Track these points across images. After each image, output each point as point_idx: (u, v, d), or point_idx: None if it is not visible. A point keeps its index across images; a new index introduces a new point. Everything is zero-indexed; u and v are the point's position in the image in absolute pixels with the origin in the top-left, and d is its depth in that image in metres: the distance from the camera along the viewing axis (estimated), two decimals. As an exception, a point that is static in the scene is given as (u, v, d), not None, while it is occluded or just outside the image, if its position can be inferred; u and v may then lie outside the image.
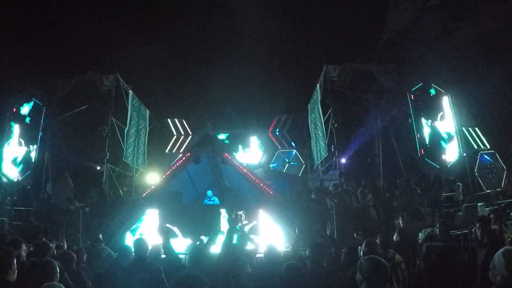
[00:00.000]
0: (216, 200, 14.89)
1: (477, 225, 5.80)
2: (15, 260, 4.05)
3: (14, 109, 16.46)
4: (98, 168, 17.11)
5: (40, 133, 16.48)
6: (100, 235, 8.07)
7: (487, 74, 13.99)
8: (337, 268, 4.66)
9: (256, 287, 4.45)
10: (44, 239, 6.66)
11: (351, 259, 5.28)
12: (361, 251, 5.40)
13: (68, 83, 17.25)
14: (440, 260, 4.80)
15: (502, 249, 3.36)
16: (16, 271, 4.00)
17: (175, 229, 11.53)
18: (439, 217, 10.55)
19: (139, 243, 5.30)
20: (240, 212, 9.43)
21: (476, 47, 14.32)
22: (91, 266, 6.38)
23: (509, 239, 6.19)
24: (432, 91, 15.55)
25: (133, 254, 5.28)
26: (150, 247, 5.49)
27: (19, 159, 16.24)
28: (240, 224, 10.89)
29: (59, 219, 12.26)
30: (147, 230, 11.28)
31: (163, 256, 6.17)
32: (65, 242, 7.92)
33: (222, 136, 22.73)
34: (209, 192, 15.06)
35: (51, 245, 6.04)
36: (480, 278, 5.09)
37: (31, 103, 16.77)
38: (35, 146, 16.42)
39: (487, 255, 5.08)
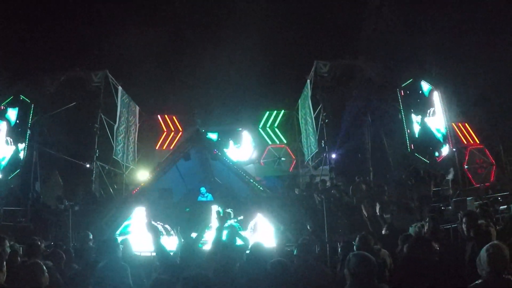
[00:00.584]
0: (209, 196, 14.87)
1: (464, 220, 5.87)
2: (5, 262, 4.03)
3: (2, 107, 16.26)
4: (88, 166, 16.92)
5: (28, 131, 16.27)
6: (90, 234, 8.01)
7: (478, 70, 14.13)
8: (323, 264, 4.70)
9: (244, 284, 4.46)
10: (37, 240, 6.58)
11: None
12: (354, 246, 5.44)
13: (56, 79, 16.99)
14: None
15: (487, 245, 3.40)
16: (6, 273, 3.98)
17: (166, 226, 11.52)
18: (429, 211, 10.64)
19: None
20: (228, 210, 9.43)
21: (467, 42, 14.41)
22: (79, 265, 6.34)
23: (498, 229, 6.27)
24: (422, 87, 15.66)
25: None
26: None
27: (6, 159, 16.03)
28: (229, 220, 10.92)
29: (48, 219, 12.16)
30: (136, 228, 11.24)
31: (153, 254, 6.14)
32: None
33: (213, 136, 22.55)
34: (203, 189, 15.02)
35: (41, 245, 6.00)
36: (467, 272, 5.15)
37: (18, 101, 16.55)
38: (23, 145, 16.21)
39: (473, 249, 5.15)
